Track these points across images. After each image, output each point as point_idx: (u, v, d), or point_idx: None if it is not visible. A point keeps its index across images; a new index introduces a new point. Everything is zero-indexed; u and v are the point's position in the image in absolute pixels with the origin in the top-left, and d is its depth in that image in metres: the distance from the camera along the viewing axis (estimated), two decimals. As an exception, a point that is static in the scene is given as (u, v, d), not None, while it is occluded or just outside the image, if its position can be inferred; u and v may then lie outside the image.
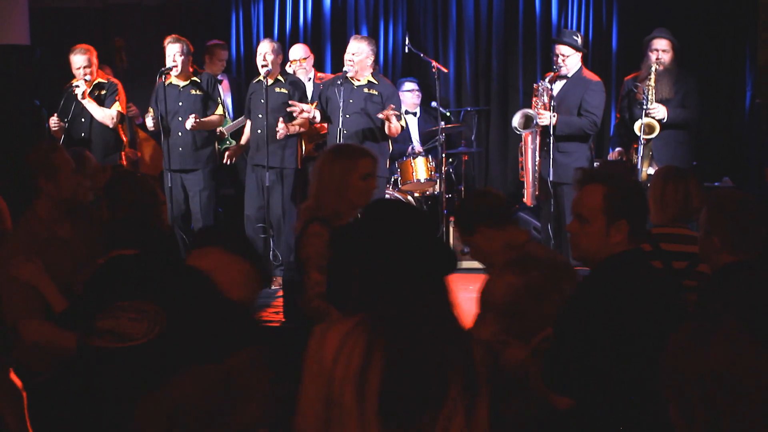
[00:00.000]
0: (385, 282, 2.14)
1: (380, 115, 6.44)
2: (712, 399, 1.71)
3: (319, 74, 7.74)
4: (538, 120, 6.46)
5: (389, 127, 6.52)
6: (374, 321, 2.11)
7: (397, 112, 6.49)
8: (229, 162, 7.06)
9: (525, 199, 6.76)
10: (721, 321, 1.80)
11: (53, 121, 6.71)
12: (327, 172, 3.54)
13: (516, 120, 6.65)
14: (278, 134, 6.62)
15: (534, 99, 6.67)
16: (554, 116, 6.41)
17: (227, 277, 2.45)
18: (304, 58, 7.52)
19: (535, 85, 6.78)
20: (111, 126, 6.86)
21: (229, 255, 2.49)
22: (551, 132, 6.43)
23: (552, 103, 6.45)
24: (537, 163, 6.65)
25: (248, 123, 7.04)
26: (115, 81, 7.01)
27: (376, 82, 6.65)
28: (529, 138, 6.54)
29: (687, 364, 1.75)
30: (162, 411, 1.78)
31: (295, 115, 6.61)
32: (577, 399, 2.48)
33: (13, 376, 2.87)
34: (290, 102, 6.66)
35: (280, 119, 6.64)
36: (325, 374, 2.09)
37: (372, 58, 6.65)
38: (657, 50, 6.45)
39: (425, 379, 2.07)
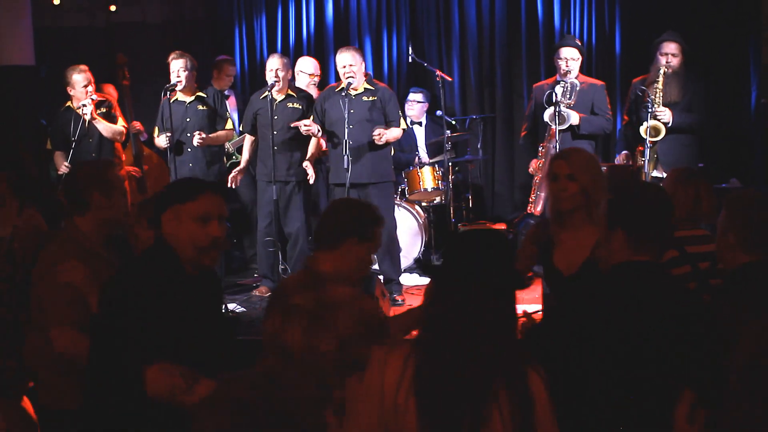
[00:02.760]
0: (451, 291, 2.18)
1: (374, 138, 6.47)
2: None
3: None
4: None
5: (391, 140, 6.62)
6: (422, 344, 2.15)
7: (383, 131, 6.49)
8: (233, 185, 7.03)
9: (533, 208, 6.68)
10: None
11: (65, 165, 6.71)
12: None
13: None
14: (310, 179, 6.70)
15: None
16: (576, 114, 6.43)
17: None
18: (318, 75, 7.55)
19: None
20: (120, 141, 6.89)
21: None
22: (577, 132, 6.44)
23: (568, 104, 6.42)
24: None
25: (248, 138, 7.02)
26: (110, 98, 7.05)
27: (373, 88, 6.67)
28: (556, 137, 6.36)
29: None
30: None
31: (302, 131, 6.61)
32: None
33: (28, 405, 2.88)
34: (292, 125, 6.68)
35: (306, 166, 6.69)
36: (390, 398, 2.11)
37: (364, 64, 6.72)
38: (667, 54, 6.45)
39: (465, 399, 2.09)
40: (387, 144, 6.67)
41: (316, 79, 7.49)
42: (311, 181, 6.72)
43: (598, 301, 2.60)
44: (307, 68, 7.45)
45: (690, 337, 2.44)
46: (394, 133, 6.61)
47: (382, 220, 3.16)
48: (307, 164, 6.69)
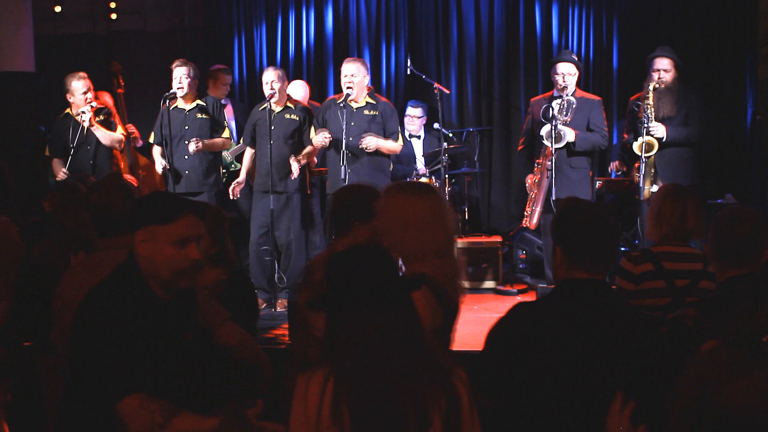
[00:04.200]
0: (343, 319, 2.16)
1: (362, 146, 6.51)
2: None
3: None
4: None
5: (385, 150, 6.65)
6: (339, 366, 2.14)
7: (371, 144, 6.54)
8: (233, 197, 7.05)
9: (528, 222, 6.69)
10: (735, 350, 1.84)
11: (63, 172, 6.73)
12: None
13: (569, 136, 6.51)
14: (293, 175, 6.70)
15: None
16: (573, 131, 6.43)
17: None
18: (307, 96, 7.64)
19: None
20: (119, 149, 6.91)
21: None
22: (572, 149, 6.45)
23: (564, 121, 6.44)
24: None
25: (248, 151, 7.05)
26: (110, 106, 7.07)
27: (375, 102, 6.71)
28: (552, 155, 6.37)
29: (710, 395, 1.80)
30: None
31: (325, 144, 6.65)
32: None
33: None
34: (297, 160, 6.71)
35: (292, 158, 6.71)
36: (312, 422, 2.12)
37: (368, 78, 6.74)
38: (659, 69, 6.49)
39: (400, 419, 2.10)
40: (386, 157, 6.72)
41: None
42: (294, 175, 6.73)
43: (541, 319, 2.60)
44: (296, 93, 7.50)
45: (628, 352, 2.46)
46: (390, 145, 6.66)
47: (377, 194, 3.22)
48: (293, 161, 6.71)
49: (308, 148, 6.84)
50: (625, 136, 6.76)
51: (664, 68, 6.49)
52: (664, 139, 6.36)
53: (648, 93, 6.42)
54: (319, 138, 6.63)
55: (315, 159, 7.11)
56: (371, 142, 6.54)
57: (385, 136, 6.65)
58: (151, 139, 6.96)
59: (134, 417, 2.36)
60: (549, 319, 2.52)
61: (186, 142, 6.79)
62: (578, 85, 6.77)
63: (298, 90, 7.59)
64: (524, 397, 2.45)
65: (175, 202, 2.58)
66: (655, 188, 6.25)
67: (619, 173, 7.45)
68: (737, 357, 2.05)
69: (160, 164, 6.91)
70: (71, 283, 3.15)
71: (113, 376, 2.39)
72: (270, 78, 6.77)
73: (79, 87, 6.80)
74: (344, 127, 6.50)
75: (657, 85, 6.44)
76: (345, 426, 2.09)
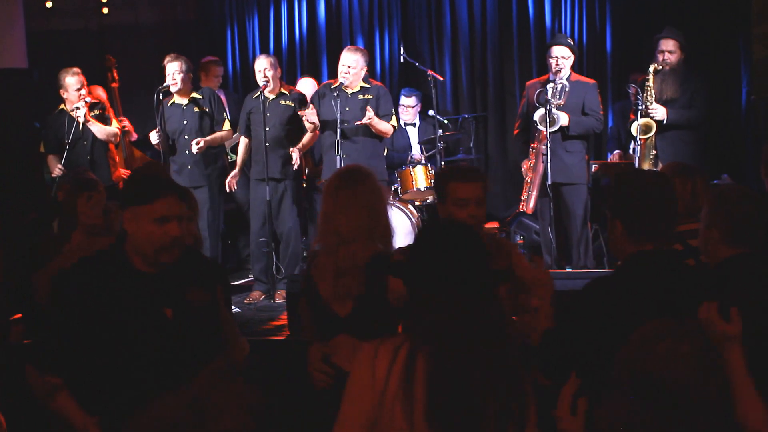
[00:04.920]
0: (431, 297, 2.14)
1: (357, 122, 6.51)
2: (653, 397, 1.74)
3: None
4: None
5: (375, 130, 6.64)
6: (416, 336, 2.13)
7: (371, 117, 6.52)
8: (230, 190, 7.05)
9: (524, 207, 6.69)
10: (682, 323, 1.83)
11: (59, 168, 6.71)
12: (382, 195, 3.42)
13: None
14: (294, 165, 6.69)
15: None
16: (566, 115, 6.40)
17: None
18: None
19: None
20: (115, 143, 6.91)
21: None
22: (566, 132, 6.42)
23: (557, 104, 6.42)
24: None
25: (242, 141, 7.04)
26: (104, 100, 7.06)
27: (368, 86, 6.73)
28: (547, 139, 6.36)
29: (638, 360, 1.78)
30: None
31: (307, 120, 6.64)
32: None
33: None
34: (298, 112, 6.72)
35: (291, 150, 6.71)
36: (380, 389, 2.11)
37: (366, 69, 6.74)
38: (663, 51, 6.47)
39: (468, 396, 2.08)
40: (379, 142, 6.72)
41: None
42: (295, 166, 6.72)
43: (621, 296, 2.56)
44: (306, 90, 7.46)
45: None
46: (383, 126, 6.65)
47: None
48: (294, 150, 6.71)
49: (307, 137, 6.83)
50: (632, 117, 6.70)
51: (668, 49, 6.47)
52: (664, 122, 6.35)
53: (648, 75, 6.40)
54: (307, 112, 6.62)
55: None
56: (372, 118, 6.51)
57: (379, 117, 6.64)
58: (152, 138, 6.92)
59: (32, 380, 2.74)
60: (629, 296, 2.48)
61: (186, 137, 6.79)
62: (573, 68, 6.75)
63: (308, 87, 7.57)
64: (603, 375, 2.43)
65: (156, 183, 2.81)
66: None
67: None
68: (669, 324, 2.03)
69: (155, 137, 6.83)
70: None
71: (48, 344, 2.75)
72: (263, 65, 6.76)
73: (72, 83, 6.79)
74: (338, 114, 6.50)
75: (659, 67, 6.42)
76: (417, 400, 2.07)
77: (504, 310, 2.25)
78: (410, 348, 2.11)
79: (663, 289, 2.51)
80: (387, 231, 3.40)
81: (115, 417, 2.55)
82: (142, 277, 2.74)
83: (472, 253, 2.19)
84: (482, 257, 2.19)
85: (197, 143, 6.67)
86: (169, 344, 2.70)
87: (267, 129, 6.67)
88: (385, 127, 6.69)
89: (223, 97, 7.97)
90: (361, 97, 6.67)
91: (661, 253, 2.56)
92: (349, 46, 6.95)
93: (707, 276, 2.66)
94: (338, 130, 6.50)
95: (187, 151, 6.80)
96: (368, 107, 6.55)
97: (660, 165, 6.23)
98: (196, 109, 6.88)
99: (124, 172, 6.95)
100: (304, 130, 6.83)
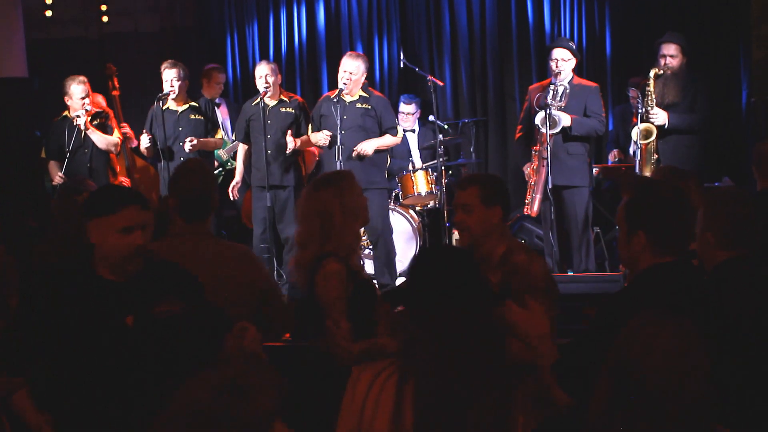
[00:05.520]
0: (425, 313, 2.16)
1: (356, 154, 6.53)
2: (645, 394, 1.73)
3: None
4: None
5: (382, 148, 6.68)
6: (411, 360, 2.16)
7: (367, 149, 6.54)
8: (233, 198, 7.05)
9: (529, 210, 6.66)
10: (656, 319, 1.81)
11: (59, 176, 6.71)
12: (342, 203, 3.34)
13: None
14: (288, 149, 6.66)
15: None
16: (568, 116, 6.37)
17: None
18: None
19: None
20: (115, 152, 6.91)
21: None
22: (569, 133, 6.39)
23: (558, 106, 6.40)
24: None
25: (241, 147, 7.03)
26: (107, 109, 7.06)
27: (368, 96, 6.71)
28: (548, 141, 6.32)
29: (623, 347, 1.77)
30: (180, 418, 1.81)
31: (325, 143, 6.65)
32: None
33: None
34: (293, 138, 6.70)
35: (289, 132, 6.69)
36: (357, 413, 2.14)
37: (365, 75, 6.74)
38: (665, 55, 6.46)
39: (455, 413, 2.09)
40: (381, 151, 6.73)
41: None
42: (289, 149, 6.67)
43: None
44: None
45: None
46: (387, 141, 6.68)
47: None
48: (289, 137, 6.68)
49: (305, 137, 6.82)
50: (635, 120, 6.69)
51: (670, 54, 6.47)
52: (665, 126, 6.34)
53: (649, 79, 6.40)
54: (320, 136, 6.62)
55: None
56: (366, 147, 6.53)
57: (382, 132, 6.65)
58: (143, 137, 6.92)
59: None
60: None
61: (181, 143, 6.79)
62: (574, 71, 6.74)
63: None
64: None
65: (118, 194, 2.87)
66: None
67: (616, 160, 7.44)
68: (658, 314, 2.01)
69: (146, 141, 6.87)
70: None
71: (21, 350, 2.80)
72: (264, 72, 6.76)
73: (77, 91, 6.79)
74: (338, 121, 6.50)
75: (660, 71, 6.41)
76: (405, 423, 2.09)
77: (499, 330, 2.25)
78: (401, 372, 2.14)
79: (683, 300, 2.49)
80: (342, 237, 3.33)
81: (75, 419, 2.68)
82: (107, 285, 2.78)
83: (466, 278, 2.20)
84: (475, 282, 2.21)
85: (191, 141, 6.68)
86: (129, 353, 2.73)
87: (268, 136, 6.66)
88: (390, 141, 6.72)
89: (224, 107, 7.99)
90: (359, 105, 6.66)
91: (681, 265, 2.55)
92: (350, 52, 6.95)
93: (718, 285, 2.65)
94: (338, 139, 6.49)
95: (182, 158, 6.79)
96: (358, 145, 6.53)
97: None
98: (192, 117, 6.88)
99: (125, 181, 6.94)
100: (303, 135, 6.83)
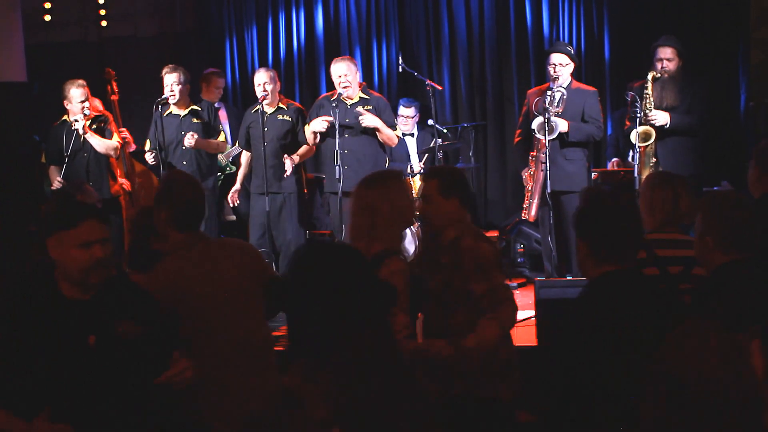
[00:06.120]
0: (328, 327, 2.07)
1: (360, 119, 6.52)
2: (682, 403, 1.73)
3: None
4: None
5: (382, 137, 6.64)
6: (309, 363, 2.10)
7: (369, 121, 6.54)
8: (233, 204, 7.05)
9: (527, 215, 6.67)
10: (702, 327, 1.81)
11: (58, 180, 6.71)
12: (391, 201, 3.50)
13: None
14: (286, 173, 6.66)
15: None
16: (565, 122, 6.38)
17: None
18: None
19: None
20: (115, 156, 6.91)
21: None
22: (566, 139, 6.39)
23: (556, 112, 6.40)
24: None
25: (245, 154, 7.03)
26: (107, 113, 7.06)
27: (368, 98, 6.72)
28: (546, 147, 6.32)
29: (669, 360, 1.77)
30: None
31: (324, 129, 6.64)
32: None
33: None
34: (290, 158, 6.69)
35: (285, 157, 6.68)
36: None
37: (358, 74, 6.75)
38: (661, 59, 6.47)
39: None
40: (381, 152, 6.72)
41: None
42: (288, 172, 6.68)
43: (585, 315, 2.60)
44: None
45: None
46: (388, 131, 6.65)
47: None
48: (286, 159, 6.67)
49: (303, 148, 6.83)
50: (627, 123, 6.70)
51: (666, 57, 6.48)
52: (667, 126, 6.35)
53: (646, 83, 6.40)
54: (318, 122, 6.61)
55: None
56: (369, 120, 6.52)
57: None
58: (147, 146, 6.95)
59: None
60: (600, 316, 2.53)
61: (183, 147, 6.79)
62: (573, 76, 6.74)
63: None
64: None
65: (78, 209, 2.87)
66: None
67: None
68: (697, 322, 2.01)
69: (151, 159, 6.89)
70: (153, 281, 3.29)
71: None
72: (262, 79, 6.76)
73: (77, 95, 6.79)
74: (337, 125, 6.50)
75: (658, 75, 6.42)
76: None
77: (392, 329, 2.27)
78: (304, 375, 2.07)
79: (630, 307, 2.54)
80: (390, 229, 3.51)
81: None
82: (68, 304, 2.77)
83: (352, 276, 2.11)
84: (363, 281, 2.11)
85: (192, 136, 6.69)
86: (89, 372, 2.72)
87: (266, 144, 6.66)
88: (391, 132, 6.69)
89: (223, 111, 7.98)
90: (360, 108, 6.67)
91: (623, 272, 2.60)
92: (334, 59, 6.90)
93: (669, 289, 2.68)
94: (337, 143, 6.49)
95: (185, 162, 6.80)
96: (363, 108, 6.55)
97: (661, 171, 6.22)
98: (194, 121, 6.89)
99: (125, 184, 6.94)
100: (301, 144, 6.82)
